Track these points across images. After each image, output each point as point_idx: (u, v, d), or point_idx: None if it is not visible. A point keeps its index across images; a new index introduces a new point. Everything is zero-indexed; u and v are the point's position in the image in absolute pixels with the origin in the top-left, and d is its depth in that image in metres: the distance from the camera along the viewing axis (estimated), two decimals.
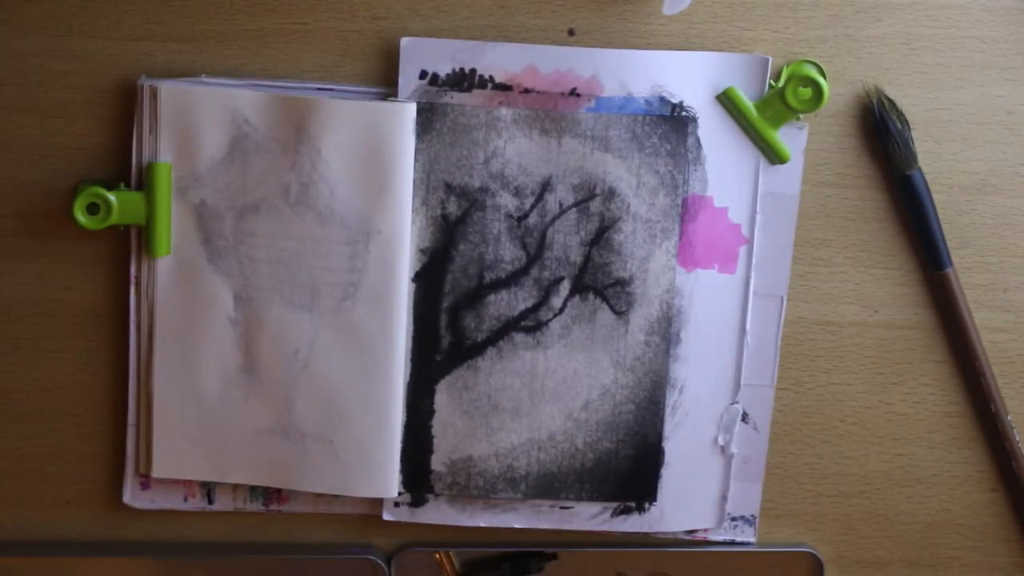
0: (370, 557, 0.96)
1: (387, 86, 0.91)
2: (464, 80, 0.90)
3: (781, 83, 0.91)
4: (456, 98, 0.90)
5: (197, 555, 0.97)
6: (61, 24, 0.90)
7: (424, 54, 0.90)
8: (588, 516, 0.96)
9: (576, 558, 0.97)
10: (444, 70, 0.90)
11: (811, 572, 0.98)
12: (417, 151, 0.91)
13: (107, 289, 0.94)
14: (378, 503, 0.96)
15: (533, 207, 0.92)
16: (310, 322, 0.92)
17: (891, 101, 0.93)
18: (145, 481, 0.96)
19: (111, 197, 0.89)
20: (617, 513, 0.96)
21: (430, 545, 0.97)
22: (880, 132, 0.93)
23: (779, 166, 0.92)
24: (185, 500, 0.96)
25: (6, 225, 0.93)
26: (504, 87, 0.90)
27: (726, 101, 0.91)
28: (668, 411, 0.94)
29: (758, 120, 0.91)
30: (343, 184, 0.90)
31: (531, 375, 0.94)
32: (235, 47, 0.91)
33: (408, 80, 0.90)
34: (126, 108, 0.91)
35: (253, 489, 0.96)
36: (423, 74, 0.90)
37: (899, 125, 0.92)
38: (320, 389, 0.92)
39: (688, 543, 0.98)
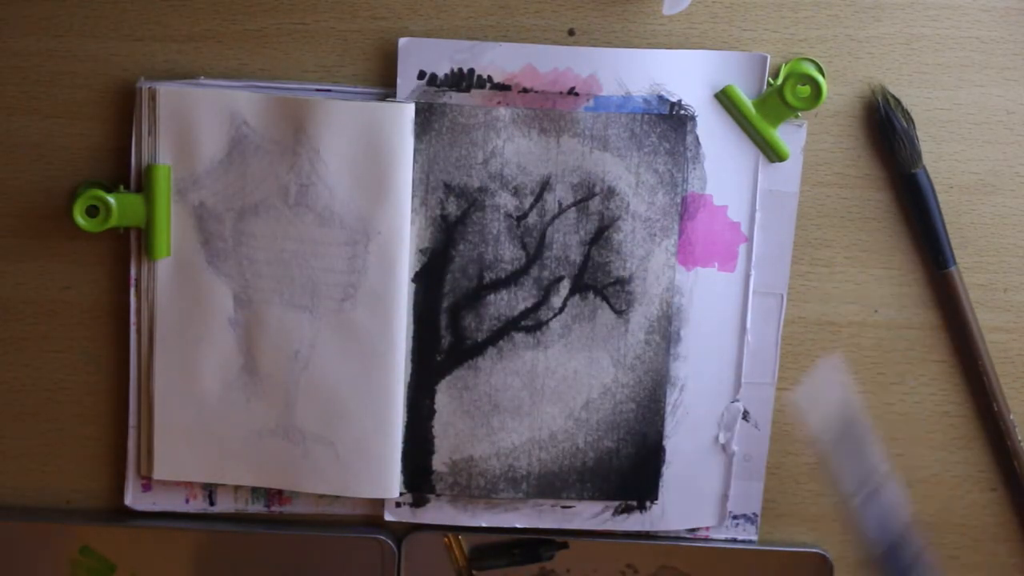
0: (380, 537, 0.96)
1: (386, 86, 0.91)
2: (462, 80, 0.90)
3: (779, 81, 0.91)
4: (455, 98, 0.91)
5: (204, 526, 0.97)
6: (61, 24, 0.91)
7: (422, 54, 0.90)
8: (590, 515, 0.96)
9: (587, 548, 0.97)
10: (442, 70, 0.90)
11: (821, 573, 0.98)
12: (416, 151, 0.91)
13: (107, 290, 0.94)
14: (379, 504, 0.96)
15: (532, 207, 0.92)
16: (310, 323, 0.92)
17: (896, 99, 0.93)
18: (147, 483, 0.96)
19: (110, 200, 0.89)
20: (619, 512, 0.96)
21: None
22: (885, 130, 0.93)
23: (778, 164, 0.92)
24: (187, 502, 0.96)
25: (6, 225, 0.93)
26: (502, 87, 0.90)
27: (724, 99, 0.91)
28: (669, 409, 0.94)
29: (757, 118, 0.91)
30: (342, 185, 0.90)
31: (531, 375, 0.94)
32: (235, 47, 0.91)
33: (407, 80, 0.91)
34: (126, 109, 0.91)
35: (255, 490, 0.96)
36: (421, 74, 0.90)
37: (904, 123, 0.92)
38: (320, 390, 0.93)
39: (693, 541, 0.98)
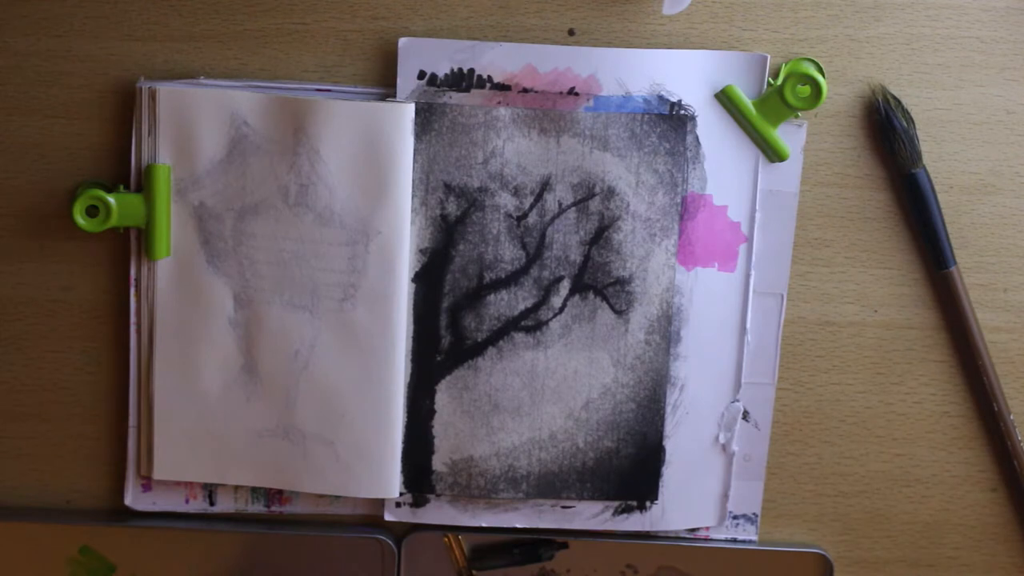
0: (380, 537, 0.96)
1: (386, 86, 0.91)
2: (462, 80, 0.90)
3: (779, 81, 0.91)
4: (455, 98, 0.91)
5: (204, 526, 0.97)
6: (61, 24, 0.91)
7: (422, 54, 0.90)
8: (590, 515, 0.96)
9: (586, 548, 0.97)
10: (442, 70, 0.90)
11: (821, 573, 0.98)
12: (416, 151, 0.91)
13: (107, 290, 0.94)
14: (379, 504, 0.96)
15: (532, 207, 0.92)
16: (310, 323, 0.92)
17: (896, 99, 0.93)
18: (146, 483, 0.96)
19: (110, 200, 0.89)
20: (619, 512, 0.96)
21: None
22: (885, 130, 0.93)
23: (778, 164, 0.92)
24: (187, 502, 0.96)
25: (6, 225, 0.93)
26: (502, 87, 0.90)
27: (725, 99, 0.91)
28: (669, 409, 0.94)
29: (757, 118, 0.91)
30: (342, 185, 0.90)
31: (531, 375, 0.93)
32: (235, 47, 0.91)
33: (407, 80, 0.90)
34: (126, 109, 0.91)
35: (254, 490, 0.96)
36: (421, 74, 0.90)
37: (904, 123, 0.92)
38: (321, 390, 0.93)
39: (693, 541, 0.98)
